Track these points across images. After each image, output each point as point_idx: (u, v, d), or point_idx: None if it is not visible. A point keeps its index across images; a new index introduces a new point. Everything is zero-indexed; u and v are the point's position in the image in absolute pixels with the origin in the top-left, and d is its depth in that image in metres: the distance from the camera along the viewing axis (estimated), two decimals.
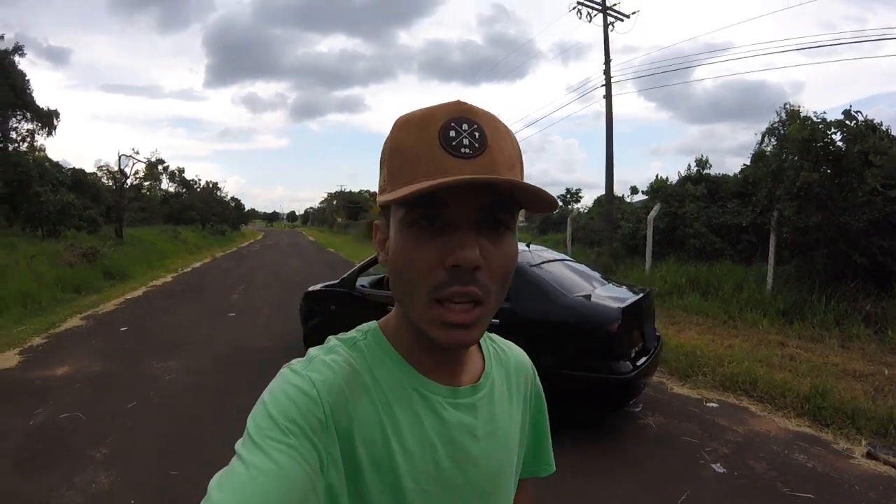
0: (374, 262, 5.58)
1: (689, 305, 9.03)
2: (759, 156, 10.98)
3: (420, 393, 0.65)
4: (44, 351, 6.57)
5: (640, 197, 18.54)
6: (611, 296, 4.36)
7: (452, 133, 0.57)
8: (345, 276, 5.71)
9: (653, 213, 11.61)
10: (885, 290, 7.50)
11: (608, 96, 14.96)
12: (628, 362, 3.90)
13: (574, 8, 15.47)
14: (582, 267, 5.24)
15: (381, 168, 0.63)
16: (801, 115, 8.84)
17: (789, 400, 4.80)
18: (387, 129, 0.64)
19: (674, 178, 15.25)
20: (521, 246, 4.97)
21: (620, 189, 22.78)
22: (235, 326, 8.20)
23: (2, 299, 8.72)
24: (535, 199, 0.58)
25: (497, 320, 1.11)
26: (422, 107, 0.62)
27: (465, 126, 0.58)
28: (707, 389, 5.25)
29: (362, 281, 5.58)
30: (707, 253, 11.67)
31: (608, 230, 14.48)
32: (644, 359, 4.11)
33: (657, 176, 15.38)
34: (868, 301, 7.42)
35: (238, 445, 0.54)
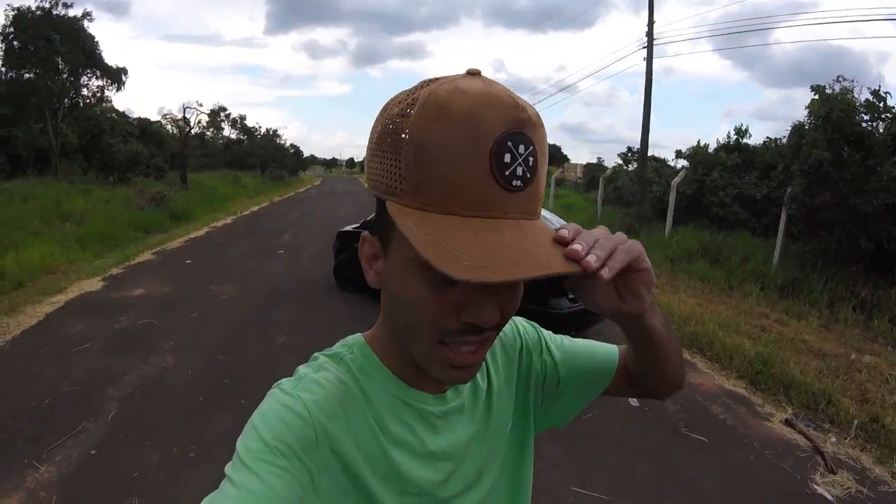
0: None
1: (694, 271, 9.29)
2: (795, 129, 10.67)
3: (410, 405, 0.65)
4: (122, 278, 7.82)
5: (683, 162, 18.49)
6: None
7: (507, 158, 0.48)
8: (366, 219, 6.73)
9: (676, 179, 11.89)
10: (886, 279, 7.41)
11: (649, 59, 15.00)
12: (565, 300, 4.68)
13: None
14: (553, 218, 5.97)
15: (384, 149, 0.52)
16: (827, 91, 8.52)
17: (736, 362, 5.10)
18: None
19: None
20: None
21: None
22: (283, 261, 9.45)
23: (83, 237, 10.06)
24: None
25: None
26: (453, 82, 0.51)
27: (521, 148, 0.49)
28: None
29: None
30: (728, 223, 11.69)
31: (639, 192, 14.78)
32: None
33: (698, 142, 15.38)
34: (866, 287, 7.31)
35: (228, 468, 0.53)
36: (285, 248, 10.83)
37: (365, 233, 0.61)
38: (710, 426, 3.97)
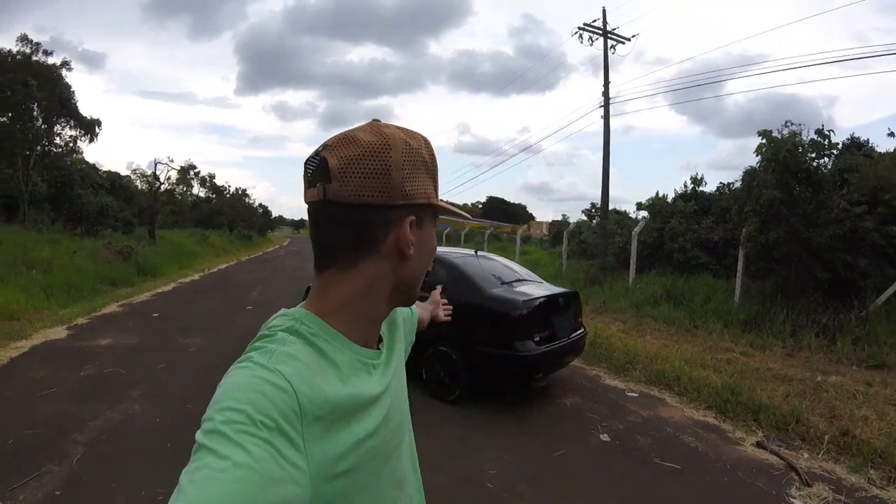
0: None
1: (659, 314, 9.55)
2: (747, 173, 10.77)
3: (363, 361, 0.75)
4: (88, 328, 7.74)
5: (644, 213, 18.96)
6: (527, 291, 5.20)
7: None
8: None
9: (637, 229, 12.33)
10: (844, 304, 7.75)
11: (606, 117, 15.78)
12: (531, 343, 4.73)
13: (576, 33, 16.36)
14: (521, 269, 6.22)
15: (424, 172, 0.76)
16: (774, 134, 8.97)
17: (703, 394, 5.21)
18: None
19: None
20: (468, 251, 6.06)
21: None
22: (251, 317, 9.36)
23: (49, 286, 9.98)
24: None
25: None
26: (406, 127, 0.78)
27: None
28: (635, 383, 5.84)
29: None
30: (690, 267, 12.07)
31: (602, 244, 15.18)
32: (550, 344, 4.91)
33: (657, 192, 15.90)
34: (826, 314, 7.66)
35: (203, 439, 0.54)
36: (254, 305, 10.79)
37: (411, 218, 0.74)
38: (682, 454, 4.03)
